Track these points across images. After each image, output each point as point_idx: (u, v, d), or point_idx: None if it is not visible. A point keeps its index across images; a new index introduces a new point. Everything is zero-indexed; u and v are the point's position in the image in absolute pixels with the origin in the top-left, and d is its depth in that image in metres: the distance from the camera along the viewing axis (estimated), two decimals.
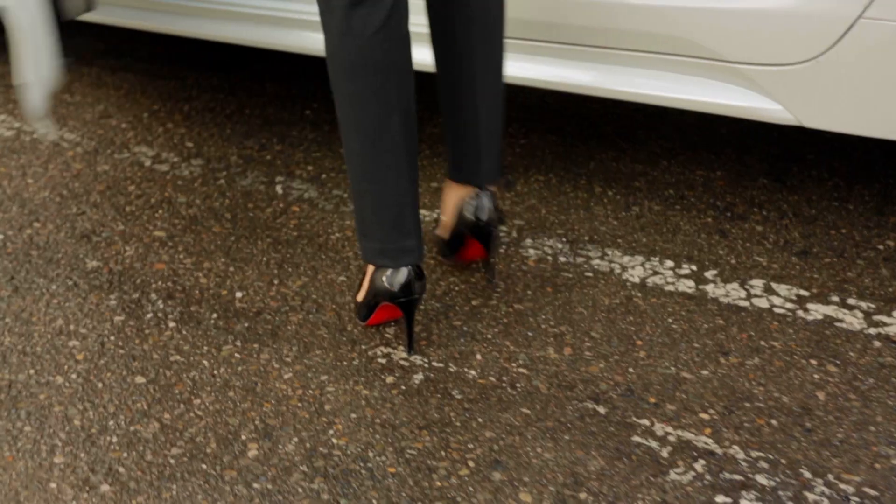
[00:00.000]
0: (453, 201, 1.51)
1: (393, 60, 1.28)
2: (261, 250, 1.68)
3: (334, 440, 1.24)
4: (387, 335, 1.44)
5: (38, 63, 1.56)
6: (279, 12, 1.96)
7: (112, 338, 1.46)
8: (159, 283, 1.59)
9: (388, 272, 1.34)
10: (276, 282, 1.59)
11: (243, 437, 1.25)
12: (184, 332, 1.46)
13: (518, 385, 1.33)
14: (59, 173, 1.97)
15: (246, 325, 1.48)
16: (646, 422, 1.24)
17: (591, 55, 1.70)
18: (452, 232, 1.53)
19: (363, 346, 1.42)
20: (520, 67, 1.73)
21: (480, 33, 1.41)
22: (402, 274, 1.33)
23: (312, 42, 1.91)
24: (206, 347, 1.43)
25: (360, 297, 1.44)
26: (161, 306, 1.53)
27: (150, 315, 1.51)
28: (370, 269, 1.38)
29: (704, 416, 1.25)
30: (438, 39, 1.44)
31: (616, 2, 1.61)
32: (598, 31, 1.65)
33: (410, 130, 1.31)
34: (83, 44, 2.67)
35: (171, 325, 1.48)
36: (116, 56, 2.59)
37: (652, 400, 1.28)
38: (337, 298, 1.54)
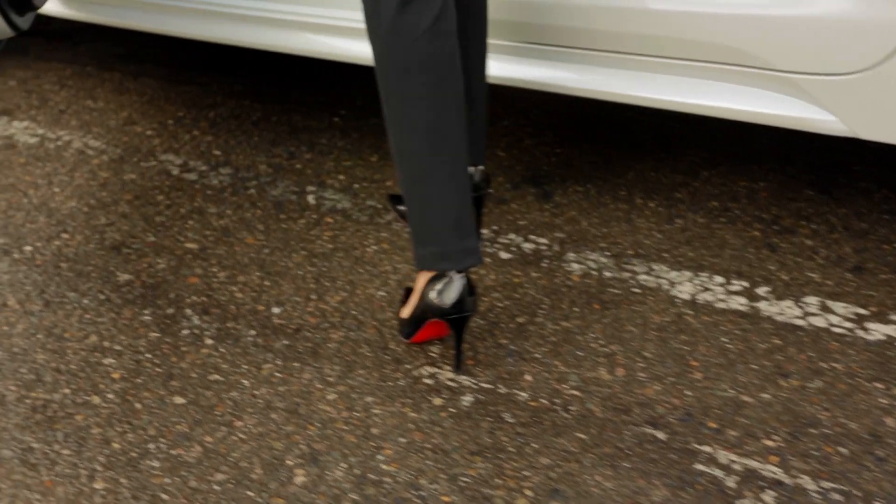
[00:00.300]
0: None
1: (447, 57, 1.25)
2: (296, 263, 1.63)
3: (384, 466, 1.19)
4: (431, 354, 1.40)
5: None
6: (298, 16, 1.92)
7: (148, 355, 1.41)
8: (194, 297, 1.55)
9: (440, 286, 1.29)
10: (313, 297, 1.54)
11: (289, 463, 1.20)
12: (221, 350, 1.42)
13: (571, 408, 1.28)
14: (86, 182, 1.93)
15: (285, 342, 1.43)
16: (708, 448, 1.20)
17: (634, 63, 1.66)
18: None
19: (407, 366, 1.37)
20: (561, 76, 1.69)
21: (476, 29, 1.44)
22: (455, 289, 1.28)
23: (340, 47, 1.86)
24: (245, 366, 1.39)
25: (406, 313, 1.39)
26: (197, 322, 1.48)
27: (186, 331, 1.46)
28: (421, 282, 1.33)
29: (769, 442, 1.20)
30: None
31: (662, 9, 1.57)
32: (642, 39, 1.60)
33: (464, 127, 1.28)
34: (103, 49, 2.63)
35: (209, 342, 1.44)
36: (137, 61, 2.55)
37: (712, 425, 1.24)
38: (377, 315, 1.49)
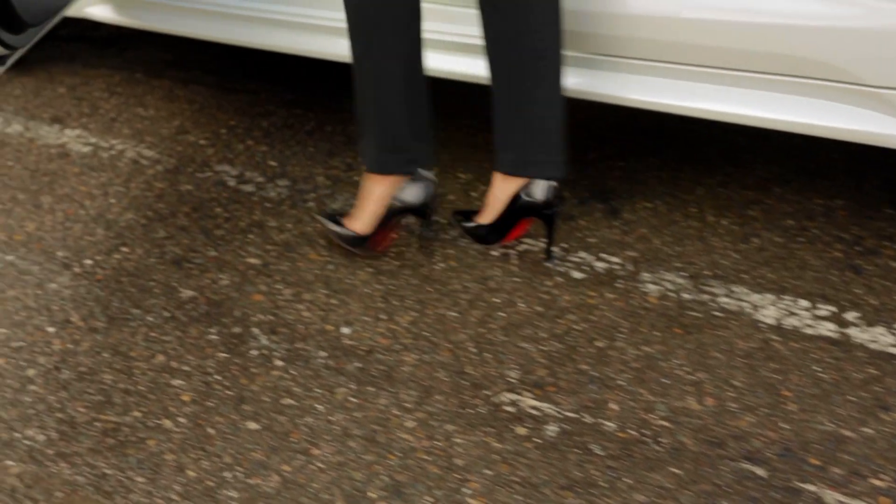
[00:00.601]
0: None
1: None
2: (362, 281, 1.59)
3: (471, 500, 1.14)
4: (510, 379, 1.35)
5: None
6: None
7: (217, 377, 1.37)
8: (260, 315, 1.51)
9: (530, 187, 1.49)
10: (383, 317, 1.50)
11: (372, 495, 1.16)
12: (292, 372, 1.38)
13: (662, 440, 1.23)
14: (142, 193, 1.90)
15: (358, 365, 1.39)
16: (812, 488, 1.14)
17: (709, 77, 1.60)
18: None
19: (486, 392, 1.33)
20: (634, 89, 1.63)
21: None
22: (543, 186, 1.49)
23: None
24: (318, 390, 1.34)
25: (489, 218, 1.55)
26: (265, 342, 1.44)
27: (254, 352, 1.42)
28: (506, 188, 1.51)
29: (877, 482, 1.15)
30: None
31: (743, 22, 1.51)
32: (726, 53, 1.55)
33: None
34: (150, 55, 2.60)
35: (279, 363, 1.40)
36: (185, 68, 2.51)
37: (814, 461, 1.18)
38: (450, 336, 1.45)
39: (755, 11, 1.50)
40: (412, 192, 1.55)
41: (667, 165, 1.94)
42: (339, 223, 1.65)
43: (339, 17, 1.89)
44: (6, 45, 1.42)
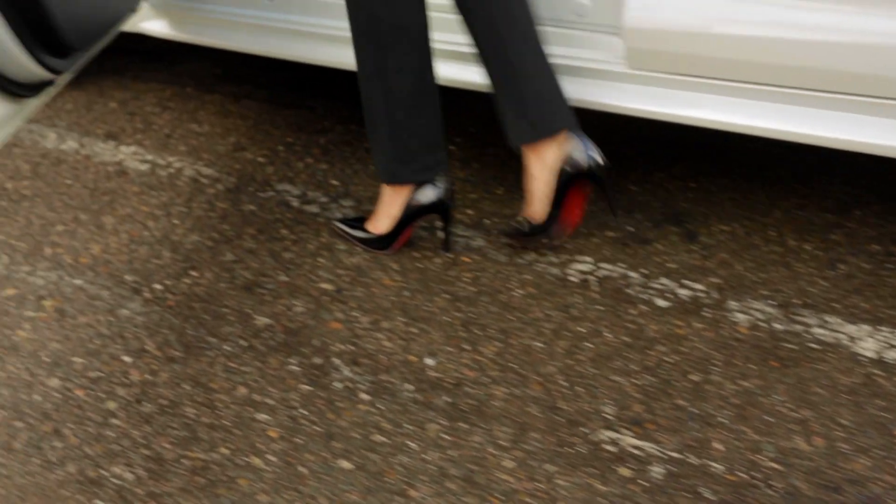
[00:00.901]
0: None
1: None
2: (441, 308, 1.55)
3: None
4: (606, 414, 1.30)
5: None
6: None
7: (303, 411, 1.34)
8: (339, 345, 1.47)
9: (571, 146, 1.52)
10: (466, 347, 1.46)
11: None
12: (380, 407, 1.34)
13: (774, 484, 1.18)
14: (205, 213, 1.86)
15: (447, 399, 1.35)
16: None
17: (788, 97, 1.56)
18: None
19: (584, 429, 1.28)
20: (733, 114, 1.59)
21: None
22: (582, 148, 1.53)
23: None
24: (408, 426, 1.30)
25: (542, 212, 1.57)
26: (348, 374, 1.40)
27: (338, 384, 1.38)
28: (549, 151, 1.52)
29: None
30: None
31: (846, 42, 1.46)
32: (819, 73, 1.50)
33: None
34: (200, 69, 2.57)
35: (364, 397, 1.36)
36: (236, 82, 2.48)
37: None
38: (539, 368, 1.40)
39: (840, 30, 1.45)
40: (428, 194, 1.59)
41: (738, 186, 1.89)
42: (359, 227, 1.71)
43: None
44: (51, 70, 1.39)
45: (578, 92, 1.71)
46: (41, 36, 1.29)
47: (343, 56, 1.90)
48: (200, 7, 2.05)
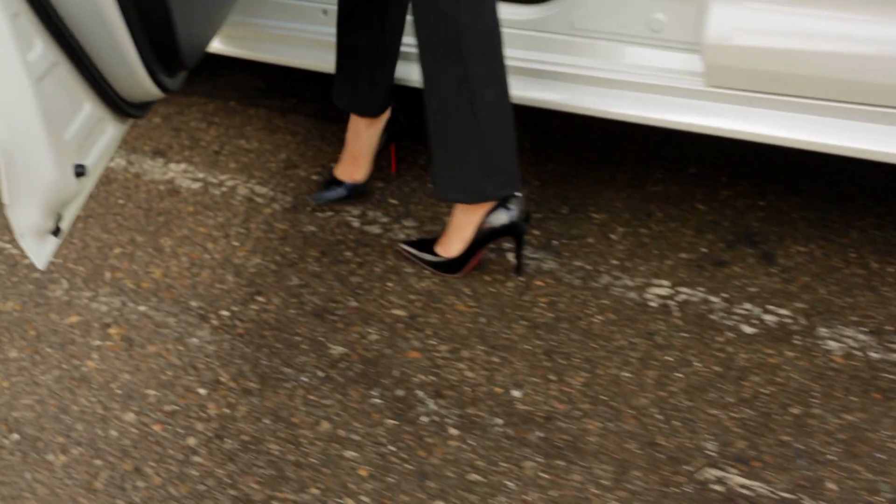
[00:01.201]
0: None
1: None
2: (520, 336, 1.50)
3: None
4: (708, 451, 1.26)
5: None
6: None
7: (391, 448, 1.29)
8: (420, 376, 1.42)
9: None
10: (552, 377, 1.41)
11: None
12: (471, 443, 1.29)
13: None
14: (264, 235, 1.81)
15: (539, 434, 1.30)
16: None
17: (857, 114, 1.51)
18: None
19: (687, 467, 1.23)
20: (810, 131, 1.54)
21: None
22: None
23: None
24: (503, 464, 1.25)
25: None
26: (434, 407, 1.35)
27: (424, 419, 1.34)
28: None
29: None
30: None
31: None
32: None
33: None
34: (241, 82, 2.52)
35: (454, 432, 1.31)
36: (280, 96, 2.43)
37: None
38: (631, 401, 1.35)
39: None
40: (501, 217, 1.56)
41: (810, 205, 1.84)
42: (428, 250, 1.66)
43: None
44: (164, 88, 1.35)
45: (647, 110, 1.66)
46: (161, 53, 1.25)
47: (401, 71, 1.85)
48: (252, 21, 2.00)
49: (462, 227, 1.59)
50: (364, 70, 1.75)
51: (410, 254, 1.70)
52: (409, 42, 1.80)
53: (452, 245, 1.62)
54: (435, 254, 1.65)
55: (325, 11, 1.92)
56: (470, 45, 1.40)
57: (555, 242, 1.75)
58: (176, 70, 1.35)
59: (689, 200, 1.87)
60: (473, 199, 1.54)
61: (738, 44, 1.50)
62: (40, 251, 1.11)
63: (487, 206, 1.56)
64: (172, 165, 2.09)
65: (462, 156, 1.51)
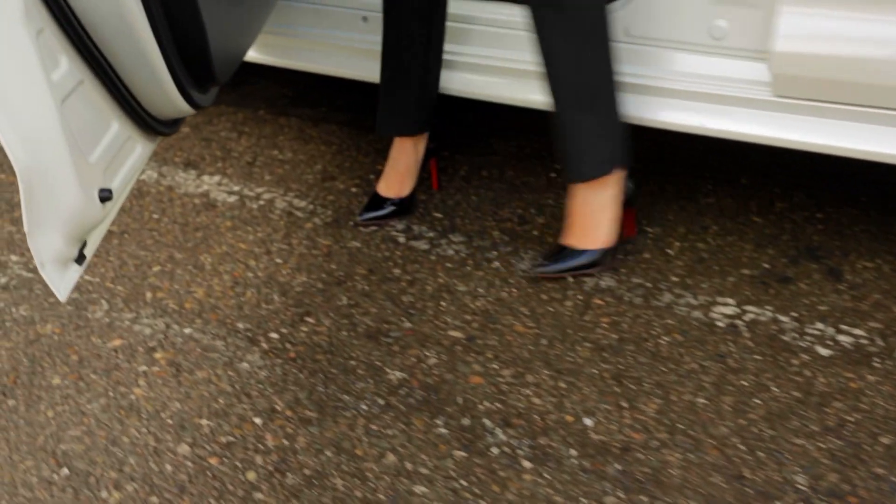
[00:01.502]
0: None
1: None
2: (585, 359, 1.44)
3: None
4: (799, 485, 1.19)
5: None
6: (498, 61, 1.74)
7: (463, 482, 1.22)
8: (486, 403, 1.35)
9: None
10: (624, 404, 1.34)
11: None
12: (546, 477, 1.22)
13: None
14: (308, 251, 1.74)
15: (618, 467, 1.23)
16: None
17: None
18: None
19: (778, 503, 1.17)
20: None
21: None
22: None
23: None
24: (584, 499, 1.19)
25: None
26: (503, 437, 1.29)
27: (495, 450, 1.27)
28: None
29: None
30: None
31: None
32: None
33: None
34: (269, 90, 2.45)
35: (526, 464, 1.24)
36: (310, 105, 2.36)
37: None
38: (710, 429, 1.29)
39: None
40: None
41: (870, 217, 1.78)
42: (569, 256, 1.61)
43: (479, 54, 1.75)
44: (195, 105, 1.28)
45: (708, 121, 1.60)
46: (192, 68, 1.18)
47: (446, 80, 1.79)
48: (289, 30, 1.93)
49: (607, 206, 1.58)
50: (413, 91, 1.72)
51: (557, 272, 1.61)
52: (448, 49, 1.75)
53: (601, 230, 1.59)
54: (581, 252, 1.60)
55: (365, 18, 1.86)
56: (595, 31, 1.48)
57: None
58: (208, 85, 1.29)
59: (744, 213, 1.80)
60: (616, 162, 1.56)
61: (809, 52, 1.44)
62: (62, 281, 1.03)
63: (621, 174, 1.59)
64: (206, 178, 2.02)
65: (598, 126, 1.54)
